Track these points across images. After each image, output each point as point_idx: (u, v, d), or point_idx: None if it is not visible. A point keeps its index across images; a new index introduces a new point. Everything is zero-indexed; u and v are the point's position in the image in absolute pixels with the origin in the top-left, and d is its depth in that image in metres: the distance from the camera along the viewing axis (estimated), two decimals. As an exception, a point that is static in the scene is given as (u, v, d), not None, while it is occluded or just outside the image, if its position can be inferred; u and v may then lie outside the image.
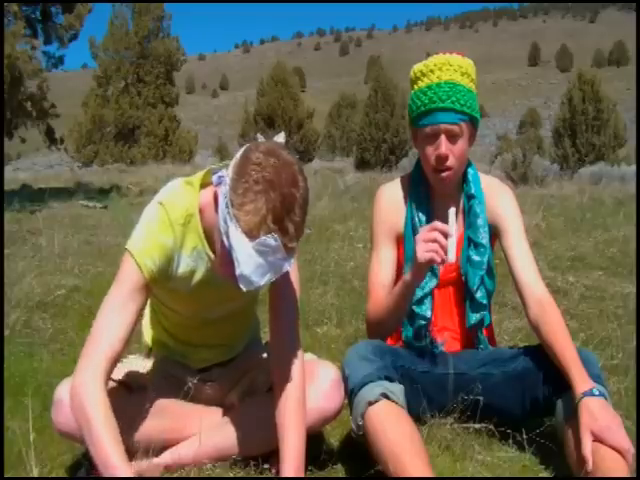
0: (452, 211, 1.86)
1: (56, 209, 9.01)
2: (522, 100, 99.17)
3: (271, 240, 1.40)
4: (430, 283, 2.07)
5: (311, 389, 1.78)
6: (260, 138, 1.59)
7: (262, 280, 1.45)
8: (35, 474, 1.76)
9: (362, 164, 24.16)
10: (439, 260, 1.77)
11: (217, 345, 1.99)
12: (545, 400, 1.88)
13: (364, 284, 4.14)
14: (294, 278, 1.82)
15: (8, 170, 34.68)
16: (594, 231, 6.25)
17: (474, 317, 2.06)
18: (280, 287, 1.77)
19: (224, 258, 1.51)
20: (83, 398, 1.50)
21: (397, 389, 1.78)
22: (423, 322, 2.06)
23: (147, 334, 2.07)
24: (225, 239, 1.46)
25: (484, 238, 2.05)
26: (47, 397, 2.32)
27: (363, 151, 25.24)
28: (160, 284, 1.68)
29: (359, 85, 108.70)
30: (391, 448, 1.65)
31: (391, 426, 1.68)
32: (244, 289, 1.47)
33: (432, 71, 1.97)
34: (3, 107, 11.98)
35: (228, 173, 1.47)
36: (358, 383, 1.77)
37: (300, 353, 1.77)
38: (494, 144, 45.10)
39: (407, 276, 1.88)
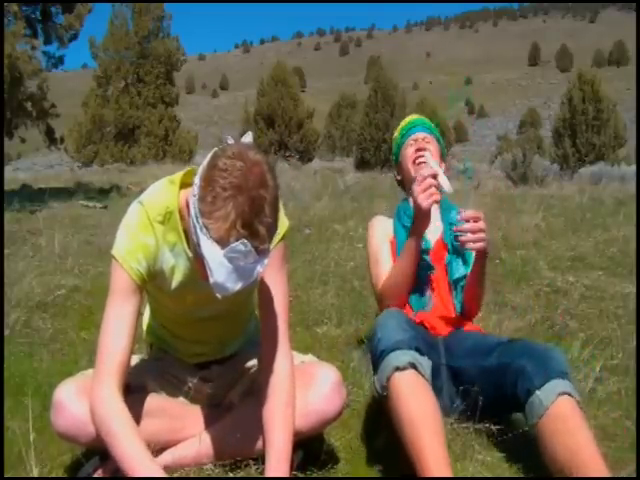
0: (427, 154, 2.28)
1: (56, 209, 9.00)
2: (522, 100, 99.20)
3: (241, 246, 1.40)
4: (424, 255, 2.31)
5: (311, 391, 1.78)
6: (230, 140, 1.58)
7: (236, 286, 1.46)
8: (35, 474, 1.76)
9: (362, 164, 24.14)
10: (440, 198, 2.08)
11: (210, 342, 1.99)
12: (520, 396, 1.82)
13: (364, 284, 4.15)
14: (282, 277, 1.82)
15: (8, 170, 34.65)
16: (594, 231, 6.24)
17: (462, 270, 2.30)
18: (267, 288, 1.78)
19: (200, 265, 1.53)
20: (105, 415, 1.58)
21: (426, 363, 1.81)
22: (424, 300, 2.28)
23: (146, 326, 2.11)
24: (198, 249, 1.47)
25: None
26: (47, 397, 2.32)
27: (363, 151, 25.24)
28: (149, 282, 1.72)
29: (359, 85, 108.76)
30: (411, 420, 1.67)
31: (415, 397, 1.70)
32: (219, 296, 1.48)
33: (406, 119, 2.66)
34: (3, 107, 11.98)
35: (196, 181, 1.47)
36: (390, 347, 1.79)
37: (288, 351, 1.77)
38: (494, 144, 45.06)
39: (413, 230, 2.16)
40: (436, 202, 2.06)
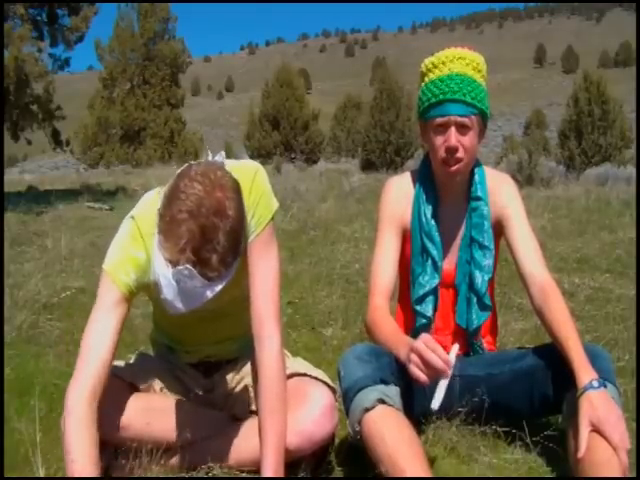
0: (454, 350, 1.71)
1: (62, 211, 9.03)
2: (527, 101, 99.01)
3: (185, 271, 1.41)
4: (432, 281, 2.05)
5: (301, 412, 1.74)
6: (209, 155, 1.58)
7: (185, 306, 1.48)
8: (41, 474, 1.77)
9: (368, 165, 24.11)
10: (425, 385, 1.64)
11: (212, 343, 1.99)
12: (555, 397, 1.86)
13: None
14: (269, 261, 1.76)
15: (14, 172, 34.78)
16: (600, 233, 6.22)
17: (483, 317, 2.05)
18: (255, 274, 1.74)
19: None
20: (68, 425, 1.53)
21: (393, 392, 1.75)
22: (424, 321, 2.05)
23: (153, 330, 2.13)
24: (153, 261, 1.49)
25: (488, 241, 2.04)
26: (53, 398, 2.34)
27: (368, 152, 25.21)
28: (143, 292, 1.72)
29: (364, 87, 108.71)
30: (389, 454, 1.63)
31: (389, 432, 1.66)
32: (170, 313, 1.51)
33: (444, 63, 1.96)
34: (3, 109, 12.02)
35: (161, 196, 1.48)
36: (352, 387, 1.75)
37: (278, 345, 1.72)
38: (500, 145, 44.98)
39: (397, 351, 1.76)
40: (418, 380, 1.64)
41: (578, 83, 21.76)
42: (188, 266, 1.40)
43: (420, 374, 1.62)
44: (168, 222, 1.41)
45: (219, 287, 1.48)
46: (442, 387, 1.62)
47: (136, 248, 1.66)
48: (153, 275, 1.67)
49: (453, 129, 1.91)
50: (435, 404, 1.61)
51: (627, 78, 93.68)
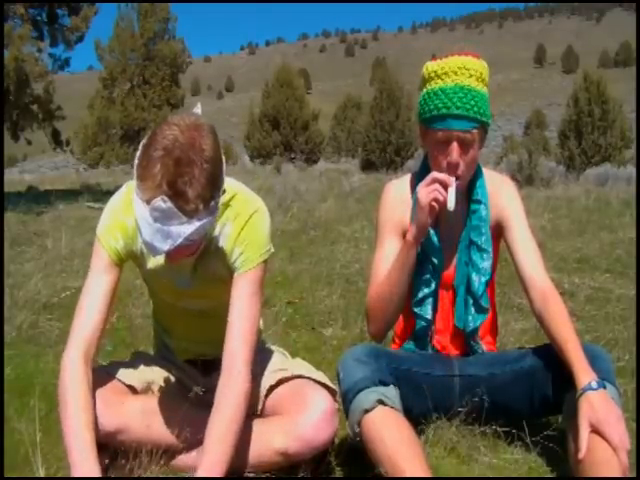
0: (453, 180, 1.88)
1: (62, 211, 9.04)
2: (527, 101, 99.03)
3: (160, 202, 1.42)
4: (431, 284, 2.05)
5: (301, 417, 1.74)
6: (197, 109, 1.64)
7: (164, 245, 1.48)
8: (41, 474, 1.77)
9: (368, 165, 24.10)
10: (442, 199, 1.83)
11: (205, 341, 1.98)
12: (555, 397, 1.86)
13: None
14: (253, 303, 1.74)
15: (14, 172, 34.79)
16: (600, 233, 6.23)
17: (479, 319, 2.05)
18: (235, 310, 1.72)
19: None
20: (65, 381, 1.65)
21: (392, 393, 1.76)
22: (424, 323, 2.05)
23: (153, 321, 2.16)
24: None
25: (487, 243, 2.04)
26: (53, 398, 2.33)
27: (368, 152, 25.20)
28: (132, 260, 1.80)
29: (364, 87, 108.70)
30: (389, 455, 1.64)
31: (388, 433, 1.67)
32: (153, 256, 1.58)
33: (447, 74, 1.90)
34: (3, 109, 12.03)
35: (139, 148, 1.52)
36: (352, 388, 1.76)
37: (244, 374, 1.68)
38: (500, 145, 44.95)
39: (409, 235, 1.89)
40: (437, 202, 1.82)
41: (578, 83, 21.76)
42: (163, 197, 1.42)
43: (432, 196, 1.82)
44: (145, 166, 1.45)
45: (197, 224, 1.48)
46: (452, 191, 1.85)
47: (125, 214, 1.72)
48: (140, 243, 1.72)
49: (455, 145, 1.88)
50: (450, 205, 1.84)
51: (627, 78, 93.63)
